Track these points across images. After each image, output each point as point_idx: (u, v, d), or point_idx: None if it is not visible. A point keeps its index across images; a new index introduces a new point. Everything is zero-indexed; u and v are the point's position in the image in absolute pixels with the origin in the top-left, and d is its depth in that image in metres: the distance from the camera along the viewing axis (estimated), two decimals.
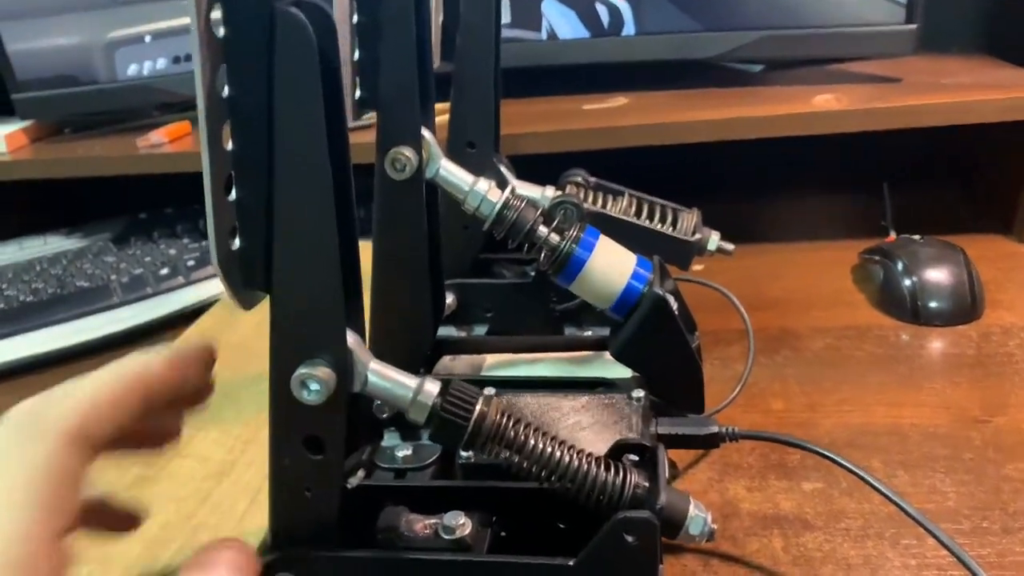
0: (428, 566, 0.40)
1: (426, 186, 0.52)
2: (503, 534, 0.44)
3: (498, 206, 0.52)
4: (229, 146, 0.34)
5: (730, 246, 0.69)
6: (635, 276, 0.52)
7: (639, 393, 0.50)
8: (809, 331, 0.74)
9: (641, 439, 0.42)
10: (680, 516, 0.39)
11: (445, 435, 0.38)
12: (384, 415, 0.55)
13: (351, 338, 0.38)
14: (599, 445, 0.45)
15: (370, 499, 0.44)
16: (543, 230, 0.52)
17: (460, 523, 0.42)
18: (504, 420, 0.39)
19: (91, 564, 0.43)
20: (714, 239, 0.68)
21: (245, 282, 0.36)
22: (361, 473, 0.42)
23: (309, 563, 0.41)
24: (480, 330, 0.70)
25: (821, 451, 0.47)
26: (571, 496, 0.39)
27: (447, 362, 0.60)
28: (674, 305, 0.53)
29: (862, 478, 0.46)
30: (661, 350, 0.51)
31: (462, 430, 0.38)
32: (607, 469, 0.39)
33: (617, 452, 0.42)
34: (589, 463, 0.39)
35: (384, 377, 0.39)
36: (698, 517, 0.39)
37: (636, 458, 0.42)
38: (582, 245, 0.52)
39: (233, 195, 0.35)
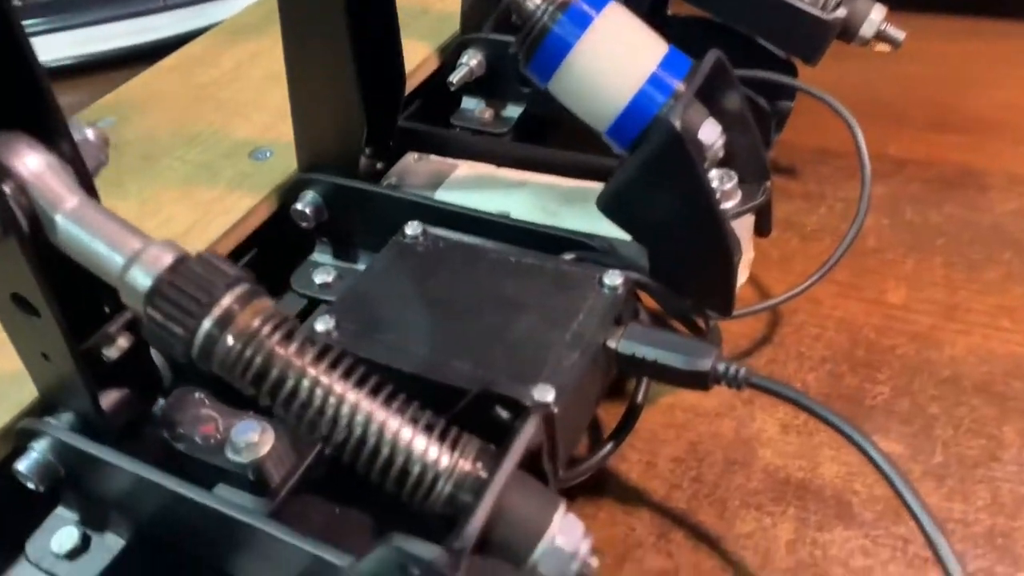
0: (170, 499, 0.27)
1: None
2: None
3: None
4: None
5: (899, 34, 0.44)
6: (653, 82, 0.31)
7: (616, 279, 0.31)
8: (1005, 179, 0.49)
9: (519, 395, 0.25)
10: (521, 546, 0.23)
11: (158, 338, 0.23)
12: (305, 223, 0.41)
13: (26, 158, 0.23)
14: (505, 361, 0.29)
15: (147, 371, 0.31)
16: None
17: (253, 439, 0.28)
18: (258, 341, 0.23)
19: None
20: (873, 19, 0.43)
21: None
22: (123, 342, 0.28)
23: (53, 443, 0.30)
24: (513, 110, 0.51)
25: (842, 426, 0.27)
26: (359, 470, 0.24)
27: (410, 162, 0.43)
28: (715, 141, 0.32)
29: (875, 462, 0.26)
30: (668, 211, 0.32)
31: (181, 343, 0.23)
32: (427, 436, 0.24)
33: (482, 403, 0.26)
34: (392, 426, 0.23)
35: (86, 228, 0.24)
36: (555, 552, 0.23)
37: (507, 416, 0.26)
38: (570, 15, 0.31)
39: None
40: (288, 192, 0.41)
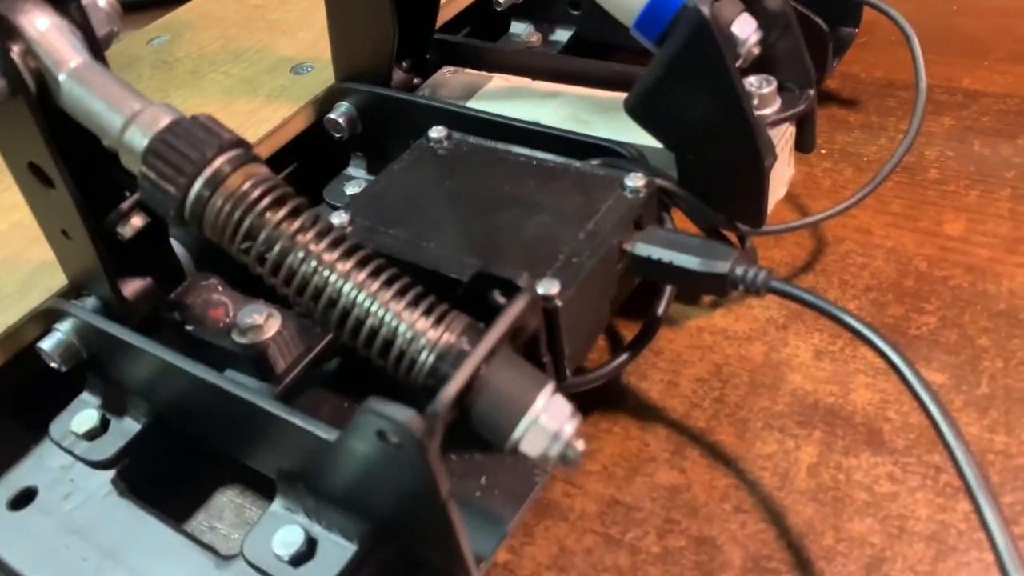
0: (176, 377, 0.28)
1: None
2: None
3: None
4: None
5: None
6: None
7: (638, 181, 0.30)
8: None
9: (513, 276, 0.24)
10: (502, 422, 0.22)
11: (151, 199, 0.23)
12: (339, 134, 0.41)
13: (34, 18, 0.23)
14: (513, 256, 0.28)
15: (166, 259, 0.31)
16: None
17: (256, 321, 0.28)
18: (247, 204, 0.23)
19: None
20: None
21: None
22: (137, 221, 0.29)
23: (75, 324, 0.30)
24: (562, 34, 0.50)
25: (863, 330, 0.25)
26: (349, 344, 0.23)
27: (445, 74, 0.42)
28: (748, 36, 0.30)
29: (901, 374, 0.24)
30: (697, 110, 0.30)
31: (173, 202, 0.23)
32: (414, 309, 0.23)
33: (478, 286, 0.25)
34: (380, 297, 0.23)
35: (88, 87, 0.24)
36: (538, 430, 0.22)
37: (503, 301, 0.25)
38: None
39: None
40: (323, 103, 0.41)
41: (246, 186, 0.23)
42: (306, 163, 0.43)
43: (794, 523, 0.29)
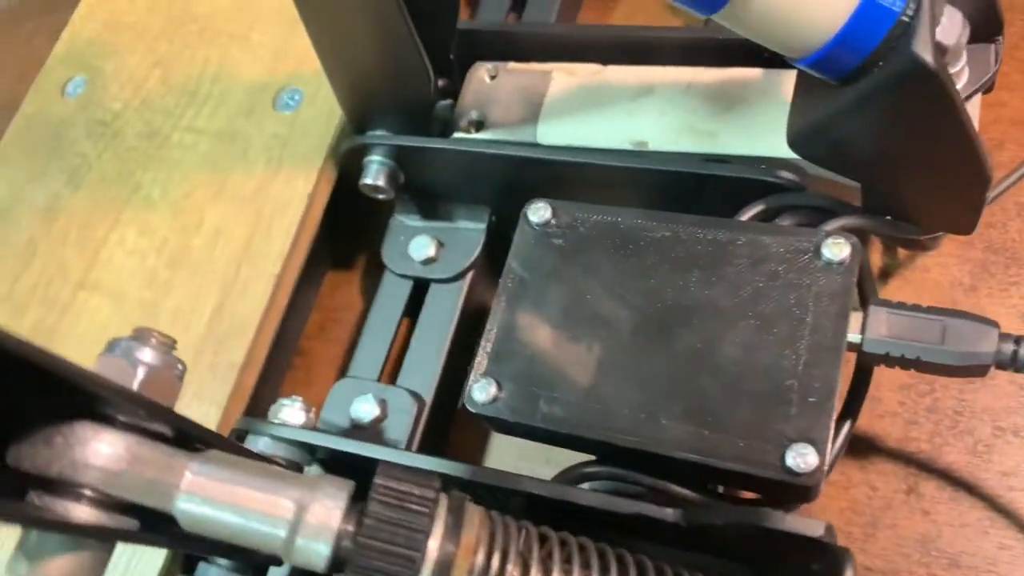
0: None
1: None
2: None
3: None
4: None
5: None
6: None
7: (841, 250, 0.24)
8: None
9: (809, 530, 0.20)
10: None
11: None
12: (383, 196, 0.33)
13: (101, 459, 0.16)
14: (730, 411, 0.23)
15: None
16: None
17: None
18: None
19: None
20: None
21: None
22: None
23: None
24: None
25: None
26: None
27: (485, 81, 0.32)
28: (958, 37, 0.23)
29: None
30: (899, 148, 0.23)
31: None
32: None
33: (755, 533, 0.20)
34: None
35: (215, 506, 0.17)
36: None
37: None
38: None
39: None
40: (345, 163, 0.32)
41: (479, 560, 0.17)
42: (334, 214, 0.35)
43: None
